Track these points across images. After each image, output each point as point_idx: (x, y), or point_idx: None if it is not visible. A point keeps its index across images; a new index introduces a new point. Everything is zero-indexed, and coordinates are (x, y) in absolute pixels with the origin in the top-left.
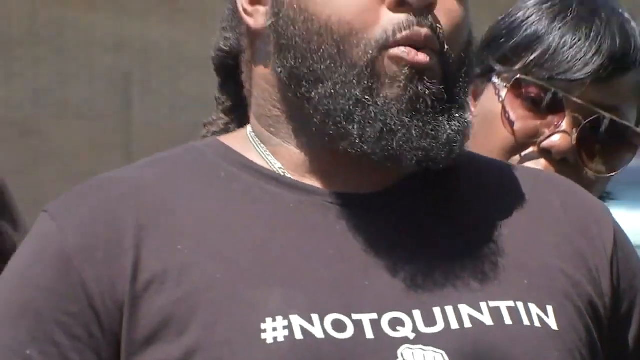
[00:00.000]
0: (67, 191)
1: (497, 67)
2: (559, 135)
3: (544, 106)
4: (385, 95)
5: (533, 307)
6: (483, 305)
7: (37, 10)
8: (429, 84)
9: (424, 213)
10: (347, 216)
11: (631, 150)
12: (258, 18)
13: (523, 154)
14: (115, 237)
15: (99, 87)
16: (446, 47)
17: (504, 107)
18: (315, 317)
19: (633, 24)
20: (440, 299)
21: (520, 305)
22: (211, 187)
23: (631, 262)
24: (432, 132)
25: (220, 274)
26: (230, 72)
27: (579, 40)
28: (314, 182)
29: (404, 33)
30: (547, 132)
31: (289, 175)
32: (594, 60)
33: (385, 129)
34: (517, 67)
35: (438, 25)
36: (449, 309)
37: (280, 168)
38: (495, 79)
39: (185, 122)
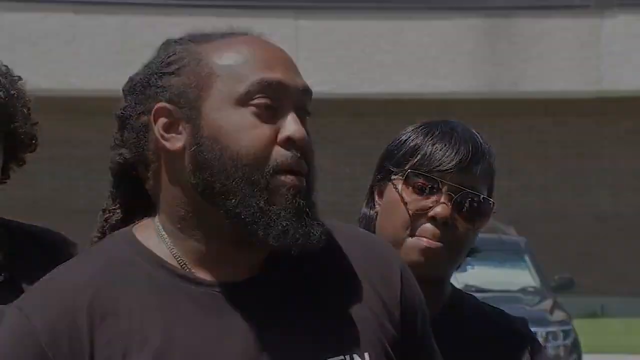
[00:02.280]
0: (33, 288)
1: (394, 170)
2: (440, 206)
3: (427, 190)
4: (278, 204)
5: (356, 357)
6: None
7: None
8: (303, 198)
9: (286, 291)
10: (228, 301)
11: (487, 214)
12: (174, 142)
13: (416, 222)
14: (75, 335)
15: None
16: (310, 170)
17: (400, 195)
18: None
19: (477, 134)
20: (293, 356)
21: (347, 357)
22: (135, 285)
23: (413, 291)
24: (309, 233)
25: (145, 357)
26: (123, 176)
27: (445, 146)
28: (206, 273)
29: (289, 162)
30: (432, 206)
31: (188, 268)
32: (456, 158)
33: (283, 230)
34: (406, 167)
35: (307, 157)
36: None
37: (182, 261)
38: (393, 177)
39: None
